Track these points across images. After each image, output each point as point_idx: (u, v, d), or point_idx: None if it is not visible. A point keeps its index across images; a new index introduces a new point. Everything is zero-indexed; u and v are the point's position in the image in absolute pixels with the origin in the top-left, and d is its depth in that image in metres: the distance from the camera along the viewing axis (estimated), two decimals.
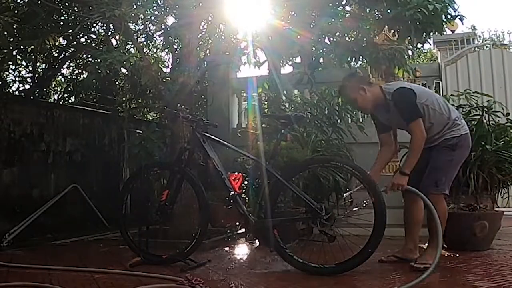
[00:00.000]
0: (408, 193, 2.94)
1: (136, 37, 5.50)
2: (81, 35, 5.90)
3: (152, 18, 4.94)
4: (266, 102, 6.59)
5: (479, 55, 7.25)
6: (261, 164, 3.01)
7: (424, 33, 3.67)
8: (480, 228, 3.40)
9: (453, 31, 7.09)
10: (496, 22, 29.77)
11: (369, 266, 2.78)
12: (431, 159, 2.90)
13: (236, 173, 3.16)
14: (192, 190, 3.36)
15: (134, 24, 5.68)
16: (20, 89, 6.95)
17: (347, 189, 4.22)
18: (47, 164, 5.41)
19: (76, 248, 4.14)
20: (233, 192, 3.02)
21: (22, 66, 7.12)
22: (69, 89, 8.10)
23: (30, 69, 7.20)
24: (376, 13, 4.05)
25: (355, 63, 4.58)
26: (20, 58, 6.21)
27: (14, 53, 4.88)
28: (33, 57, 6.66)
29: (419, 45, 5.05)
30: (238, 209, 2.99)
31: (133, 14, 3.79)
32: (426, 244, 2.99)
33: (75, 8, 4.73)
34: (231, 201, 3.00)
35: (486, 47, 7.50)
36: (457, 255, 3.27)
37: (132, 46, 6.01)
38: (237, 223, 3.46)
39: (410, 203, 3.05)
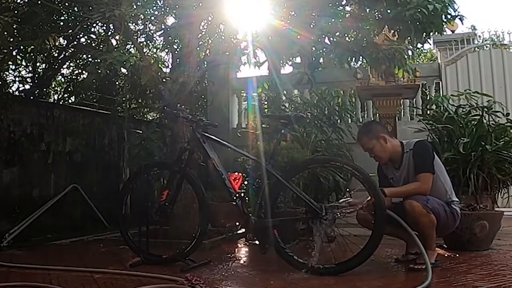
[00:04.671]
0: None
1: (136, 37, 5.50)
2: (81, 35, 5.89)
3: (152, 18, 4.94)
4: (266, 102, 6.60)
5: (479, 55, 7.26)
6: (261, 164, 3.01)
7: (424, 33, 3.67)
8: (480, 228, 3.40)
9: (453, 31, 7.10)
10: (496, 22, 29.80)
11: (369, 266, 2.78)
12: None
13: (236, 173, 3.16)
14: (192, 190, 3.36)
15: (134, 24, 5.67)
16: (20, 89, 6.93)
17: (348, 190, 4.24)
18: (47, 164, 5.41)
19: (76, 248, 4.14)
20: (238, 191, 3.02)
21: (22, 66, 7.09)
22: (69, 89, 8.08)
23: (30, 69, 7.17)
24: (376, 13, 4.04)
25: (355, 63, 4.57)
26: (20, 58, 6.20)
27: (14, 53, 4.88)
28: (33, 57, 6.65)
29: (419, 45, 5.06)
30: (243, 207, 2.98)
31: (133, 14, 3.79)
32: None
33: (75, 8, 4.73)
34: (236, 196, 3.00)
35: (486, 47, 7.51)
36: (457, 255, 3.26)
37: (132, 46, 6.01)
38: (237, 223, 3.45)
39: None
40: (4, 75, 6.56)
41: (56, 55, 6.94)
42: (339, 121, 5.41)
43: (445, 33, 4.24)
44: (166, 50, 6.99)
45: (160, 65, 6.88)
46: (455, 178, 3.53)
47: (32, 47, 5.20)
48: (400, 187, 2.93)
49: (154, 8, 4.83)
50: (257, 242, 4.00)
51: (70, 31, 4.93)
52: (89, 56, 6.01)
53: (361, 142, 3.05)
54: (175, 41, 5.14)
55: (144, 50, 6.67)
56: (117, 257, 3.48)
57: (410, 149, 2.93)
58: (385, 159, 3.02)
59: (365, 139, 3.02)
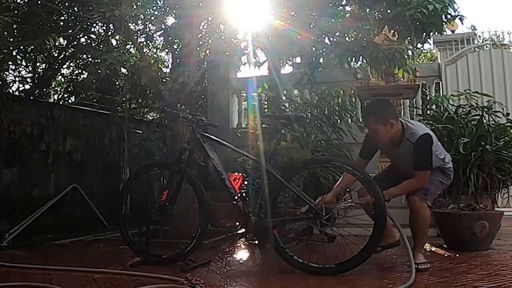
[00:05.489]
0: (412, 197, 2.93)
1: (136, 37, 5.49)
2: (81, 35, 5.89)
3: (152, 18, 4.94)
4: (266, 102, 6.60)
5: (479, 55, 7.25)
6: (261, 164, 3.01)
7: (424, 33, 3.66)
8: (480, 228, 3.41)
9: (453, 31, 7.09)
10: (496, 22, 29.78)
11: (369, 266, 2.78)
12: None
13: (236, 173, 3.16)
14: (192, 190, 3.36)
15: (134, 24, 5.67)
16: (20, 89, 6.94)
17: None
18: (47, 164, 5.41)
19: (76, 248, 4.14)
20: (238, 191, 3.03)
21: (22, 66, 7.10)
22: (69, 89, 8.08)
23: (30, 69, 7.18)
24: (376, 13, 4.04)
25: (355, 63, 4.57)
26: (20, 58, 6.21)
27: (14, 53, 4.88)
28: (33, 57, 6.65)
29: (419, 45, 5.06)
30: (243, 207, 2.98)
31: (133, 14, 3.79)
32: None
33: (75, 8, 4.73)
34: (237, 196, 3.00)
35: (486, 47, 7.51)
36: (457, 255, 3.27)
37: (132, 46, 6.01)
38: (237, 223, 3.45)
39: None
40: (4, 75, 6.57)
41: (56, 55, 6.94)
42: (339, 121, 5.42)
43: (445, 33, 4.25)
44: (166, 50, 6.99)
45: (160, 65, 6.89)
46: (455, 178, 3.52)
47: (32, 47, 5.20)
48: (396, 187, 2.91)
49: (154, 8, 4.83)
50: (257, 242, 4.01)
51: (70, 31, 4.93)
52: (89, 56, 6.01)
53: (367, 121, 2.97)
54: (175, 41, 5.14)
55: (144, 50, 6.68)
56: (117, 257, 3.49)
57: (411, 140, 2.86)
58: (383, 141, 2.95)
59: (371, 120, 2.92)
